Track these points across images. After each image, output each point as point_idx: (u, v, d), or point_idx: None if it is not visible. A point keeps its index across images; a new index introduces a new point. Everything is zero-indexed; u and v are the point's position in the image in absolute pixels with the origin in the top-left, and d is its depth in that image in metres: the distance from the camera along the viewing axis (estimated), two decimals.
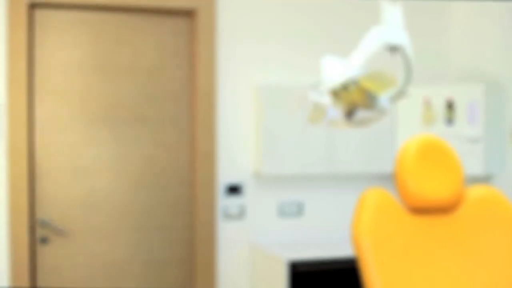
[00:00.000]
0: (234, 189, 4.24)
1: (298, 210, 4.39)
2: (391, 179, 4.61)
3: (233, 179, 4.25)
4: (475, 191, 2.65)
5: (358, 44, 4.45)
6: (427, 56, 4.60)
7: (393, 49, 2.18)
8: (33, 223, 3.94)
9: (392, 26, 2.15)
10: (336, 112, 2.22)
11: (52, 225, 3.97)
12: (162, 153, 4.17)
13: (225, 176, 4.24)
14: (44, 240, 3.96)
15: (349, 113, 2.23)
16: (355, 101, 2.20)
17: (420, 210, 2.52)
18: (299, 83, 4.26)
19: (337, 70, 2.15)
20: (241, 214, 4.27)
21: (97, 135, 4.05)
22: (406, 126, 4.33)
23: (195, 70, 4.19)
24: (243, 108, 4.26)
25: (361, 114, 2.22)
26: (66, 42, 3.99)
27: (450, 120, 4.25)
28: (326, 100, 2.18)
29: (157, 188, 4.16)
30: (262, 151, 4.10)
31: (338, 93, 2.19)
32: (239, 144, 4.26)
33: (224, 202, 4.24)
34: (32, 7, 3.92)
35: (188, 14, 4.21)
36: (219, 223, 4.23)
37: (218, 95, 4.21)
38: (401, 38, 2.17)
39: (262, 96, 4.10)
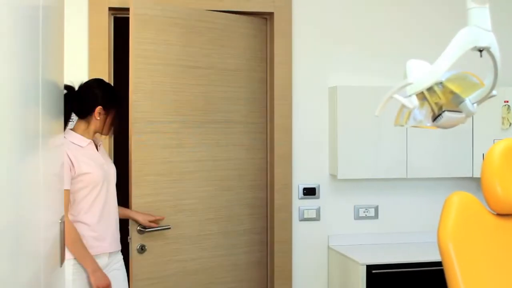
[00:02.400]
0: (310, 192, 4.25)
1: (374, 213, 4.36)
2: (469, 183, 4.53)
3: (309, 182, 4.26)
4: None
5: (432, 46, 4.40)
6: (507, 57, 4.50)
7: (481, 51, 2.15)
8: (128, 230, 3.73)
9: (480, 28, 2.12)
10: (422, 114, 2.20)
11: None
12: (244, 156, 4.16)
13: (301, 178, 4.24)
14: (141, 248, 3.71)
15: (435, 115, 2.21)
16: (441, 103, 2.18)
17: (506, 214, 2.47)
18: (375, 85, 4.23)
19: (425, 72, 2.13)
20: (317, 216, 4.27)
21: (190, 137, 3.92)
22: (485, 129, 4.25)
23: (271, 72, 4.20)
24: (319, 111, 4.26)
25: (447, 115, 2.20)
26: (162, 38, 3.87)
27: None
28: (413, 102, 2.17)
29: (239, 191, 4.14)
30: (338, 154, 4.09)
31: (424, 95, 2.17)
32: (315, 146, 4.26)
33: (300, 204, 4.24)
34: (114, 10, 4.00)
35: (264, 17, 4.24)
36: (295, 225, 4.23)
37: (294, 98, 4.23)
38: (490, 40, 2.14)
39: (338, 98, 4.09)
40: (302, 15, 4.24)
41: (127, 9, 3.97)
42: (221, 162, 4.05)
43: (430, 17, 4.41)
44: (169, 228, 3.77)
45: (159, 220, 3.70)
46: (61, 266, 2.86)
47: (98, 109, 3.36)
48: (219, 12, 4.04)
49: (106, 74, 3.90)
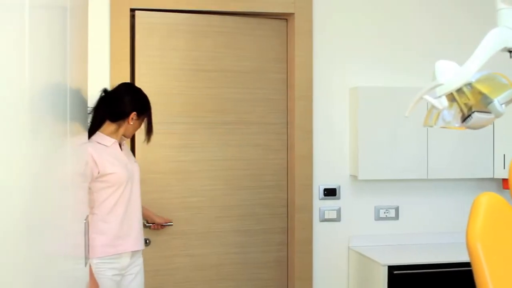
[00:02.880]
0: (330, 192, 4.25)
1: (394, 214, 4.36)
2: (490, 184, 4.51)
3: (329, 182, 4.26)
4: None
5: (454, 46, 4.39)
6: None
7: (511, 51, 2.14)
8: None
9: (510, 28, 2.12)
10: (450, 114, 2.20)
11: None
12: (261, 156, 4.20)
13: (321, 179, 4.25)
14: (145, 241, 3.98)
15: (464, 116, 2.21)
16: (470, 103, 2.18)
17: None
18: (396, 85, 4.23)
19: (455, 73, 2.13)
20: (337, 217, 4.27)
21: (198, 138, 4.11)
22: (506, 130, 4.23)
23: (291, 73, 4.21)
24: (339, 111, 4.26)
25: (476, 116, 2.20)
26: (167, 45, 4.07)
27: None
28: (443, 103, 2.17)
29: (255, 190, 4.19)
30: (359, 155, 4.09)
31: (453, 96, 2.17)
32: (336, 147, 4.26)
33: (321, 205, 4.25)
34: (134, 11, 4.02)
35: (284, 18, 4.25)
36: (315, 225, 4.24)
37: (314, 98, 4.23)
38: None
39: (359, 99, 4.09)
40: (322, 16, 4.24)
41: (149, 10, 4.00)
42: (233, 162, 4.16)
43: (452, 17, 4.40)
44: (171, 225, 3.98)
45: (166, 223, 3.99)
46: (85, 266, 2.88)
47: (133, 114, 3.39)
48: (227, 16, 4.13)
49: (127, 75, 3.93)
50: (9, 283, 1.20)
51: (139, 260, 3.50)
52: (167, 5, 3.98)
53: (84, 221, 2.71)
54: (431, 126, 2.25)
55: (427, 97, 2.17)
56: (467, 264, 3.86)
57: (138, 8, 3.96)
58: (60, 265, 1.89)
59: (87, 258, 2.89)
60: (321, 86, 4.24)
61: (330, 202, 4.26)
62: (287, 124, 4.26)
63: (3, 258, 1.18)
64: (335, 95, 4.26)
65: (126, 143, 3.57)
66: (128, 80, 3.89)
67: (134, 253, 3.44)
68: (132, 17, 4.01)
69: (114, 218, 3.35)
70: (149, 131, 3.49)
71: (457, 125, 2.22)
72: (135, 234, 3.43)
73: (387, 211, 4.34)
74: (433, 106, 2.20)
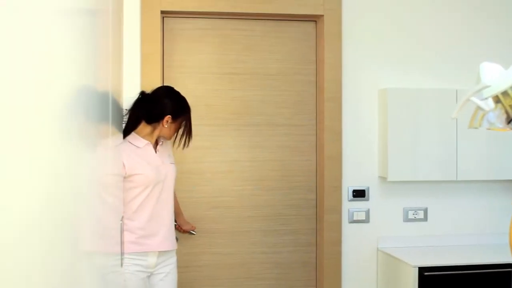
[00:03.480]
0: (359, 194, 4.25)
1: (423, 215, 4.35)
2: None
3: (358, 184, 4.26)
4: None
5: (482, 48, 4.38)
6: None
7: None
8: None
9: None
10: (495, 116, 2.20)
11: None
12: (289, 158, 4.22)
13: (350, 180, 4.25)
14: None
15: (510, 117, 2.21)
16: None
17: None
18: (425, 87, 4.22)
19: (502, 75, 2.13)
20: (366, 218, 4.27)
21: (225, 139, 4.14)
22: None
23: (321, 75, 4.22)
24: (369, 113, 4.26)
25: None
26: (195, 48, 4.11)
27: None
28: (489, 105, 2.17)
29: (283, 191, 4.22)
30: (388, 156, 4.09)
31: (498, 97, 2.17)
32: (365, 148, 4.26)
33: (350, 206, 4.25)
34: (164, 14, 4.05)
35: (313, 20, 4.26)
36: (344, 227, 4.24)
37: (343, 100, 4.23)
38: None
39: (388, 100, 4.09)
40: (352, 17, 4.24)
41: (180, 12, 4.02)
42: (262, 163, 4.20)
43: (482, 20, 4.39)
44: (194, 234, 4.07)
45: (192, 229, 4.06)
46: (121, 266, 2.90)
47: (167, 118, 3.41)
48: (255, 20, 4.18)
49: (158, 77, 3.95)
50: (59, 278, 1.22)
51: (171, 260, 3.50)
52: (196, 6, 3.99)
53: (120, 221, 2.73)
54: (476, 128, 2.25)
55: (474, 99, 2.18)
56: (498, 266, 3.86)
57: (168, 10, 3.98)
58: (103, 262, 1.92)
59: (123, 255, 2.91)
60: (351, 87, 4.24)
61: (359, 204, 4.27)
62: (316, 126, 4.27)
63: (52, 255, 1.20)
64: (364, 96, 4.26)
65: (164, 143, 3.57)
66: (159, 83, 3.91)
67: (163, 253, 3.45)
68: (163, 19, 4.04)
69: (140, 217, 3.37)
70: (186, 134, 3.50)
71: (501, 126, 2.22)
72: (164, 234, 3.43)
73: (416, 213, 4.33)
74: (478, 108, 2.21)
